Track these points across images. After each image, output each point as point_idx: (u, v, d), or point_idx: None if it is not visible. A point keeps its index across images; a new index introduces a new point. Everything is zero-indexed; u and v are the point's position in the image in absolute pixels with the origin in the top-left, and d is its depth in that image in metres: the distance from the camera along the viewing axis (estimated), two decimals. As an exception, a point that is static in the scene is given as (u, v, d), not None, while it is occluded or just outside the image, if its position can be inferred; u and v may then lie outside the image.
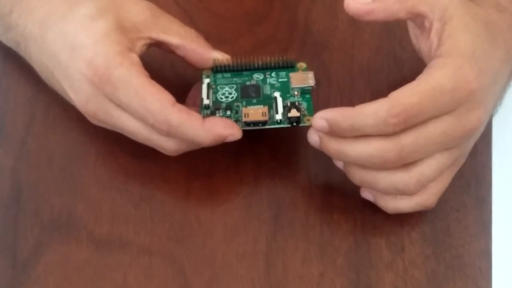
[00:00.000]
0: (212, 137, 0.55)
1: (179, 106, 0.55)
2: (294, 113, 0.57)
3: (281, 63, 0.60)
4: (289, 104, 0.58)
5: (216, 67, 0.60)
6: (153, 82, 0.55)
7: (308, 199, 0.60)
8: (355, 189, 0.60)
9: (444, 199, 0.58)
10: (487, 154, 0.62)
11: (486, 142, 0.62)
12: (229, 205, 0.60)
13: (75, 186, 0.60)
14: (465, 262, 0.58)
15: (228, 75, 0.60)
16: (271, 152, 0.62)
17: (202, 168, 0.61)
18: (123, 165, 0.61)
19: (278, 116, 0.57)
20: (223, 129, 0.56)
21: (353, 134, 0.53)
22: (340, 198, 0.60)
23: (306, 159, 0.61)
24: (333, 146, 0.54)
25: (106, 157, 0.62)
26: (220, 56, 0.60)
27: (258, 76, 0.60)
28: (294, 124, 0.57)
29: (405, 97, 0.52)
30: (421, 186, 0.55)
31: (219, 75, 0.60)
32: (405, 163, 0.54)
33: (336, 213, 0.59)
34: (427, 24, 0.56)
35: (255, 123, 0.57)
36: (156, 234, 0.58)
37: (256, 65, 0.60)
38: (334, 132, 0.53)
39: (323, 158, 0.61)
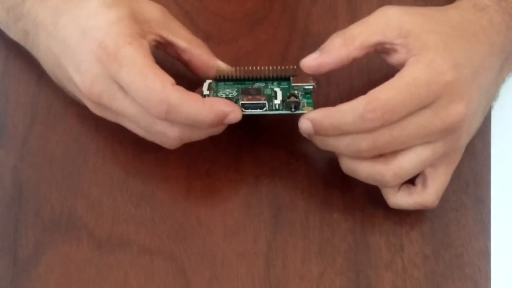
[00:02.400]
0: (214, 113, 0.55)
1: (180, 87, 0.55)
2: (293, 99, 0.57)
3: (283, 76, 0.60)
4: (288, 94, 0.58)
5: (219, 77, 0.60)
6: (157, 66, 0.56)
7: (308, 199, 0.60)
8: (355, 189, 0.60)
9: (443, 198, 0.58)
10: (486, 154, 0.62)
11: (485, 142, 0.62)
12: (229, 205, 0.60)
13: (75, 185, 0.61)
14: (464, 261, 0.58)
15: (230, 83, 0.60)
16: (271, 152, 0.62)
17: (203, 167, 0.61)
18: (123, 164, 0.61)
19: (277, 101, 0.57)
20: (224, 106, 0.56)
21: (336, 133, 0.55)
22: (340, 198, 0.60)
23: (306, 159, 0.61)
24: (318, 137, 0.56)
25: (107, 156, 0.62)
26: (224, 66, 0.60)
27: (259, 85, 0.60)
28: (293, 109, 0.57)
29: (381, 92, 0.53)
30: (399, 179, 0.56)
31: (221, 83, 0.60)
32: (381, 153, 0.55)
33: (336, 213, 0.59)
34: (388, 46, 0.57)
35: (254, 106, 0.57)
36: (157, 234, 0.59)
37: (258, 77, 0.60)
38: (319, 132, 0.55)
39: (323, 158, 0.61)
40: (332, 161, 0.61)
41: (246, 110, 0.57)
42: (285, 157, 0.62)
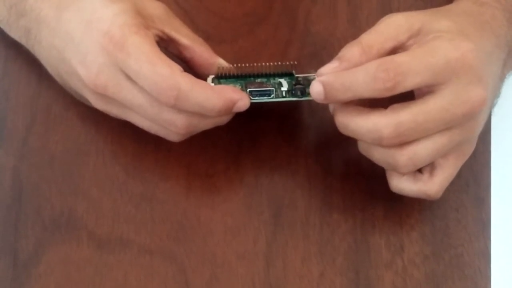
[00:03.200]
0: (223, 99, 0.55)
1: (188, 74, 0.56)
2: (299, 86, 0.57)
3: (283, 72, 0.60)
4: (294, 83, 0.58)
5: (220, 74, 0.60)
6: (164, 54, 0.56)
7: (308, 199, 0.60)
8: (355, 189, 0.60)
9: (443, 198, 0.58)
10: (486, 154, 0.62)
11: (485, 142, 0.62)
12: (229, 205, 0.60)
13: (76, 186, 0.61)
14: (464, 261, 0.58)
15: (232, 80, 0.60)
16: (271, 152, 0.62)
17: (202, 168, 0.61)
18: (123, 165, 0.61)
19: (284, 88, 0.57)
20: (233, 93, 0.56)
21: (346, 95, 0.54)
22: (340, 198, 0.60)
23: (306, 159, 0.61)
24: (339, 118, 0.56)
25: (107, 157, 0.62)
26: (225, 64, 0.60)
27: (262, 80, 0.60)
28: (300, 95, 0.57)
29: (397, 56, 0.54)
30: (413, 165, 0.55)
31: (223, 80, 0.60)
32: (403, 142, 0.54)
33: (336, 213, 0.59)
34: (400, 51, 0.56)
35: (261, 93, 0.57)
36: (157, 234, 0.59)
37: (258, 74, 0.60)
38: (328, 94, 0.54)
39: (323, 159, 0.61)
40: (332, 161, 0.61)
41: (253, 98, 0.57)
42: (285, 157, 0.62)
